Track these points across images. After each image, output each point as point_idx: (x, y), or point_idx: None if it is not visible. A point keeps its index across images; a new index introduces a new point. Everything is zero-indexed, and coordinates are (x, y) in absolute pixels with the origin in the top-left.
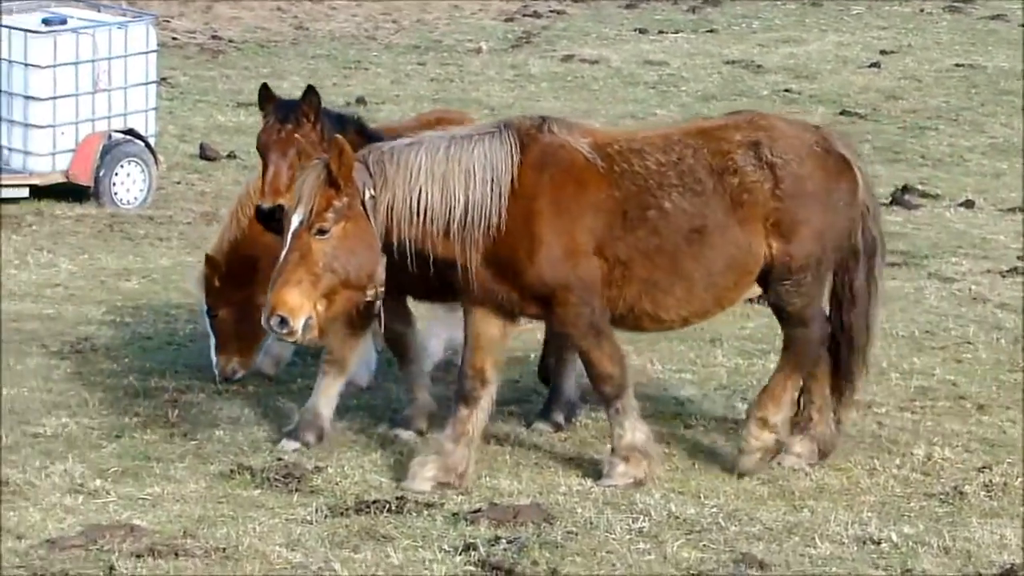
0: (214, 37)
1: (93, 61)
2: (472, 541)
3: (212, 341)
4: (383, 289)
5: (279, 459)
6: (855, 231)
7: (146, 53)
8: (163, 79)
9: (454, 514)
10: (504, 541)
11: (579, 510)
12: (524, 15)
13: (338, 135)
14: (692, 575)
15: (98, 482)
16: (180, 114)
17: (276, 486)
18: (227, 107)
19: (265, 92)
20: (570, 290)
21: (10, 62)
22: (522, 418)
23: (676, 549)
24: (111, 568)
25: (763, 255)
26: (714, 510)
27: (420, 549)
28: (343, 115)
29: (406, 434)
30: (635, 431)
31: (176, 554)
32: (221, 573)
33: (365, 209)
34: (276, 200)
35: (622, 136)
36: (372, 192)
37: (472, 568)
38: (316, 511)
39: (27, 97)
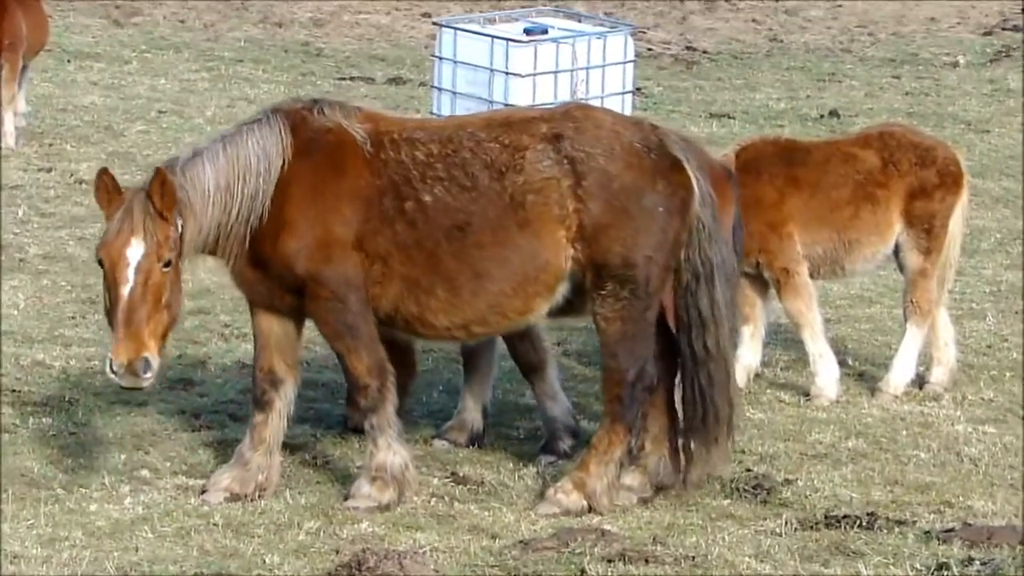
0: (689, 48)
1: (572, 71)
2: (945, 560)
3: None
4: None
5: (748, 470)
6: (688, 247)
7: (623, 63)
8: (638, 89)
9: (926, 532)
10: (978, 562)
11: None
12: (1003, 28)
13: (160, 166)
14: None
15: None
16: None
17: (745, 497)
18: (699, 117)
19: None
20: (322, 284)
21: (492, 71)
22: (995, 439)
23: None
24: (582, 571)
25: (561, 263)
26: None
27: (891, 566)
28: None
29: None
30: (389, 451)
31: (646, 560)
32: None
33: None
34: None
35: (411, 124)
36: (180, 222)
37: None
38: (785, 524)
39: (507, 105)
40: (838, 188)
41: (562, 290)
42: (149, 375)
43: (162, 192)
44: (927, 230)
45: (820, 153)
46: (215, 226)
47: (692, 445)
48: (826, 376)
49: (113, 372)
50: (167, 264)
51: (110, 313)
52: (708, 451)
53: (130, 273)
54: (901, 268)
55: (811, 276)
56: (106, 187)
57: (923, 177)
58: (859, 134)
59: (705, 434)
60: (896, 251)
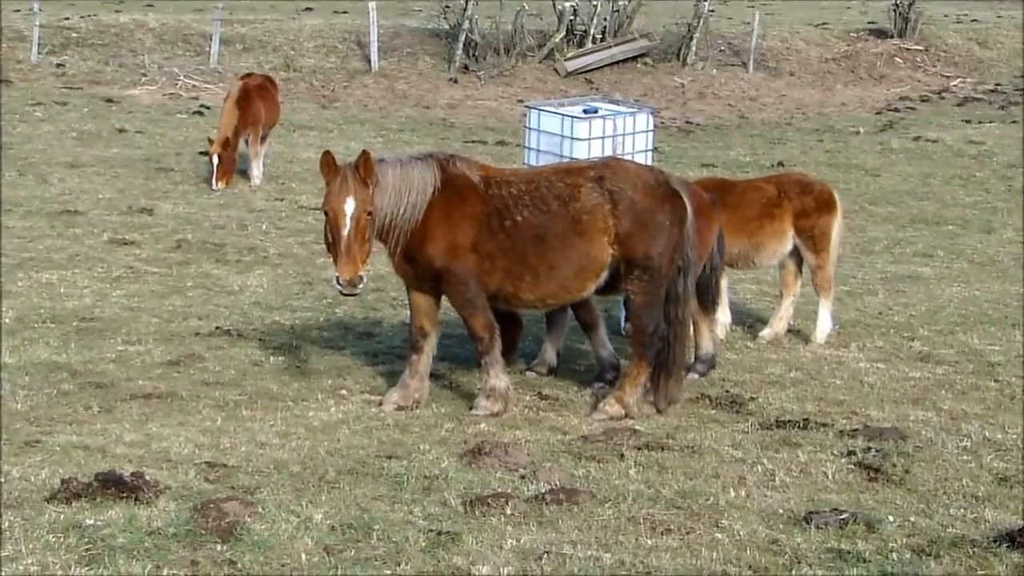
0: (687, 123)
1: (614, 136)
2: (852, 449)
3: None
4: None
5: (726, 391)
6: (680, 249)
7: (646, 132)
8: (655, 148)
9: (840, 431)
10: (874, 450)
11: (923, 432)
12: (888, 110)
13: (365, 149)
14: (1000, 479)
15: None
16: (667, 171)
17: (724, 408)
18: (695, 167)
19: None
20: (451, 273)
21: (562, 136)
22: (884, 372)
23: (989, 460)
24: (621, 455)
25: (605, 258)
26: (1013, 436)
27: (819, 452)
28: None
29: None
30: (497, 378)
31: (662, 448)
32: (691, 462)
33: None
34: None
35: (508, 172)
36: (373, 189)
37: (852, 467)
38: (751, 425)
39: (572, 159)
40: (750, 209)
41: (604, 275)
42: (361, 286)
43: (366, 166)
44: (811, 238)
45: (740, 187)
46: (388, 212)
47: (661, 379)
48: (723, 318)
49: (339, 285)
50: (369, 214)
51: (333, 247)
52: (669, 382)
53: (347, 220)
54: (808, 264)
55: (732, 267)
56: (328, 163)
57: (804, 202)
58: (767, 176)
59: (669, 371)
60: (799, 255)
